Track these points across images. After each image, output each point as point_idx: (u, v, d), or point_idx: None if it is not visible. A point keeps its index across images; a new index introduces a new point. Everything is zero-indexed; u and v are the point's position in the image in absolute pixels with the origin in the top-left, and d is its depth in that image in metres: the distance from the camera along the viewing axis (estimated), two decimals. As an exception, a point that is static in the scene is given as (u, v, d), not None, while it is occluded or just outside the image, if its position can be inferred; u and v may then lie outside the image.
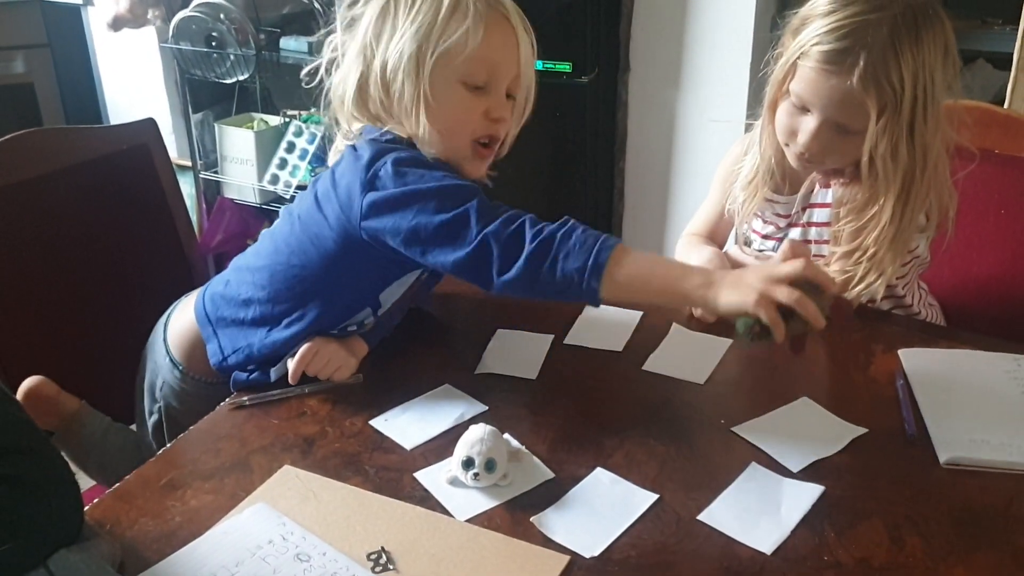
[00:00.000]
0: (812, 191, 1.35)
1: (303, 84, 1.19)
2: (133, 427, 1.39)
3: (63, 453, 1.32)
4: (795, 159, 1.28)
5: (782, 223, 1.39)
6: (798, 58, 1.20)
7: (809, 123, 1.21)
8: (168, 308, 1.31)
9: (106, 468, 1.35)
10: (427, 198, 1.05)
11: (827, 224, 1.33)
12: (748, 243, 1.44)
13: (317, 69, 1.18)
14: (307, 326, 1.15)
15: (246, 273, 1.20)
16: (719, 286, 0.98)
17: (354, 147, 1.13)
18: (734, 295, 0.97)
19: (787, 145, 1.28)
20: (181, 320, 1.26)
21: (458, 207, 1.04)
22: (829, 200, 1.33)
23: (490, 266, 1.02)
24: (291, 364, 1.14)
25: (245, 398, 1.08)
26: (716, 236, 1.51)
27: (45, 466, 0.83)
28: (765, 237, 1.42)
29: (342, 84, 1.14)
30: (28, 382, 1.31)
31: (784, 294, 0.94)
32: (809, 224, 1.37)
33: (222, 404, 1.12)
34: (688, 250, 1.46)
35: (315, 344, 1.14)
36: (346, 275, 1.13)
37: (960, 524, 0.91)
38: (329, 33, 1.17)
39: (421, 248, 1.06)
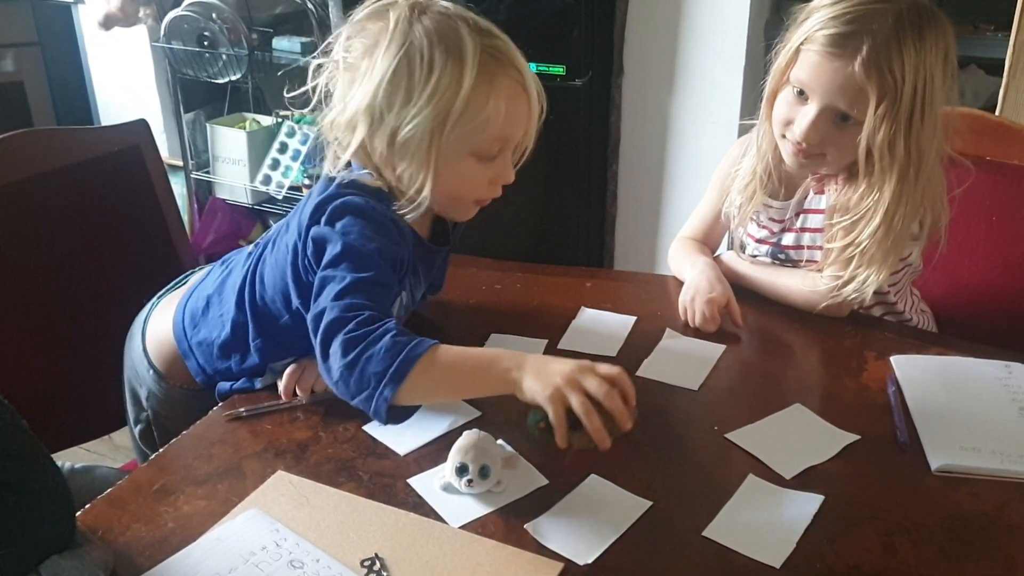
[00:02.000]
0: (807, 196, 1.36)
1: (284, 91, 1.13)
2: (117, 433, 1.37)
3: None
4: (791, 154, 1.28)
5: (776, 228, 1.40)
6: (802, 44, 1.21)
7: (808, 111, 1.22)
8: (145, 307, 1.29)
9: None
10: (336, 245, 1.01)
11: (820, 230, 1.33)
12: (742, 248, 1.45)
13: (306, 89, 1.11)
14: (278, 349, 1.14)
15: (228, 289, 1.17)
16: (525, 370, 0.93)
17: (331, 179, 1.09)
18: (536, 383, 0.92)
19: (783, 137, 1.28)
20: (160, 329, 1.24)
21: (350, 271, 0.99)
22: (823, 206, 1.33)
23: (325, 340, 0.96)
24: (281, 383, 1.12)
25: (242, 409, 1.08)
26: (710, 240, 1.51)
27: (37, 472, 0.83)
28: (759, 241, 1.42)
29: (336, 124, 1.07)
30: None
31: (577, 400, 0.89)
32: (803, 230, 1.37)
33: (215, 409, 1.11)
34: (681, 255, 1.46)
35: (302, 363, 1.13)
36: (307, 304, 1.04)
37: (951, 531, 0.91)
38: (325, 52, 1.09)
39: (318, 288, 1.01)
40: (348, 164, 1.10)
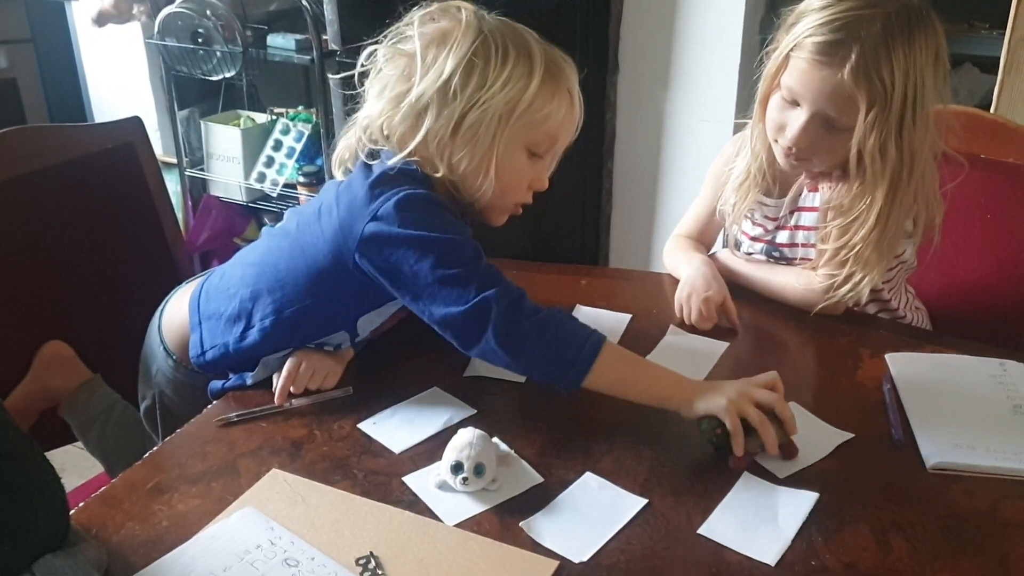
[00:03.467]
0: (800, 194, 1.36)
1: (332, 83, 1.15)
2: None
3: (69, 422, 1.36)
4: (783, 156, 1.28)
5: (770, 226, 1.40)
6: (791, 50, 1.20)
7: (798, 117, 1.22)
8: (164, 299, 1.31)
9: (105, 442, 1.37)
10: (431, 247, 1.04)
11: (814, 228, 1.33)
12: (737, 245, 1.45)
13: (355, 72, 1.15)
14: (280, 334, 1.14)
15: (239, 267, 1.20)
16: (695, 390, 1.03)
17: (368, 166, 1.11)
18: (713, 397, 1.01)
19: (775, 141, 1.28)
20: (175, 309, 1.27)
21: (461, 265, 1.04)
22: (817, 204, 1.33)
23: (483, 328, 1.02)
24: (276, 382, 1.12)
25: (233, 415, 1.07)
26: (705, 237, 1.51)
27: (30, 471, 0.82)
28: (754, 239, 1.42)
29: (385, 101, 1.10)
30: (47, 344, 1.38)
31: (754, 412, 0.99)
32: (796, 227, 1.37)
33: (208, 408, 1.11)
34: (677, 253, 1.46)
35: (298, 357, 1.13)
36: (326, 292, 1.12)
37: (946, 529, 0.91)
38: (375, 42, 1.13)
39: (412, 294, 1.06)
40: (375, 155, 1.12)
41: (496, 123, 1.06)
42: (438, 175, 1.10)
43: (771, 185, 1.37)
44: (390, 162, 1.09)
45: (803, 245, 1.37)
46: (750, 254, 1.43)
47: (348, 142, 1.17)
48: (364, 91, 1.14)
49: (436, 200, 1.09)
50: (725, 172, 1.42)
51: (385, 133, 1.12)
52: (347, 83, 1.17)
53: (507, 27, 1.10)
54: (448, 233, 1.06)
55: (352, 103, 1.17)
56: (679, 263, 1.43)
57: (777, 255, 1.40)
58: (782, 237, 1.39)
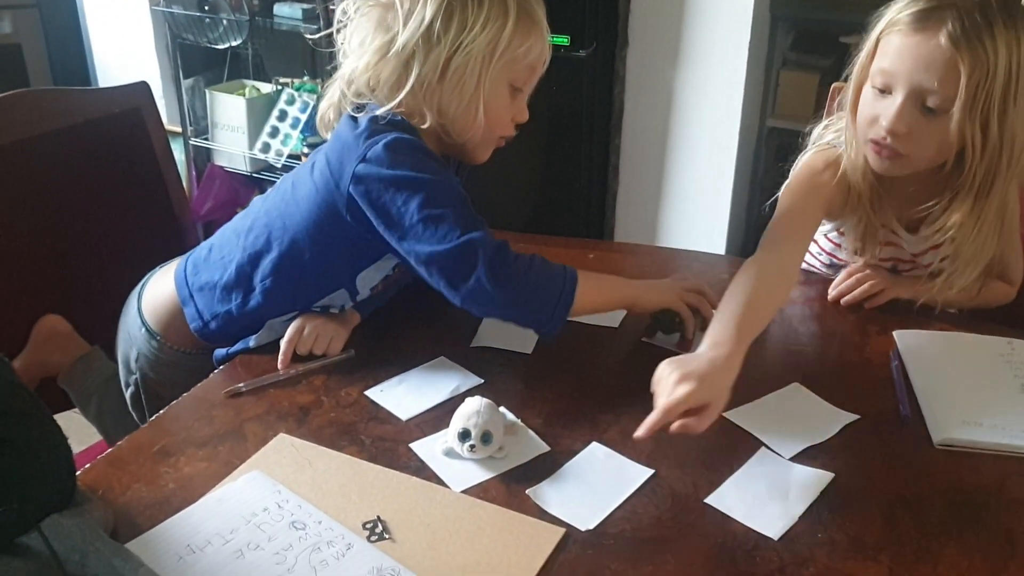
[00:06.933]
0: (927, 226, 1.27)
1: (311, 44, 1.17)
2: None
3: (68, 393, 1.36)
4: (874, 153, 1.18)
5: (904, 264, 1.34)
6: (882, 32, 1.15)
7: (893, 101, 1.13)
8: (143, 278, 1.30)
9: (104, 415, 1.37)
10: (418, 187, 1.06)
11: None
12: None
13: (327, 31, 1.16)
14: (282, 293, 1.14)
15: (231, 235, 1.20)
16: (648, 290, 1.17)
17: (353, 117, 1.12)
18: (662, 295, 1.17)
19: (867, 141, 1.18)
20: (157, 289, 1.25)
21: (447, 205, 1.06)
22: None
23: (472, 266, 1.04)
24: (282, 346, 1.12)
25: (242, 384, 1.06)
26: (788, 269, 1.23)
27: (37, 430, 0.82)
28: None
29: (369, 54, 1.11)
30: (44, 318, 1.38)
31: (695, 303, 1.17)
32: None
33: (214, 373, 1.11)
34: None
35: (302, 321, 1.14)
36: (323, 245, 1.13)
37: (952, 504, 0.92)
38: None
39: (400, 234, 1.07)
40: (360, 109, 1.13)
41: (480, 64, 1.09)
42: (425, 126, 1.11)
43: (880, 203, 1.27)
44: (378, 112, 1.10)
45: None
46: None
47: (331, 100, 1.17)
48: (341, 47, 1.15)
49: (424, 147, 1.11)
50: (819, 185, 1.26)
51: (371, 86, 1.12)
52: (332, 45, 1.17)
53: None
54: (433, 174, 1.07)
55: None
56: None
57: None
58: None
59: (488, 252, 1.04)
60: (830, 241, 1.39)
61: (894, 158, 1.17)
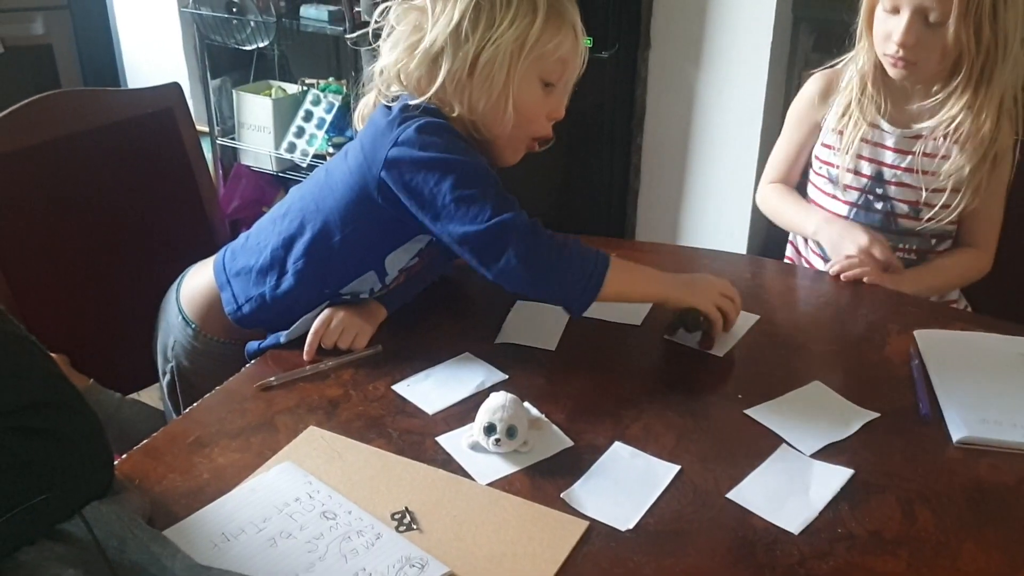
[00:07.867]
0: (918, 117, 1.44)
1: (344, 44, 1.21)
2: (146, 391, 1.42)
3: None
4: (891, 66, 1.39)
5: (889, 157, 1.46)
6: None
7: (901, 19, 1.34)
8: (176, 274, 1.34)
9: (126, 437, 1.38)
10: (450, 168, 1.09)
11: (931, 156, 1.43)
12: (836, 182, 1.51)
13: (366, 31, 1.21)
14: (313, 275, 1.18)
15: (267, 223, 1.24)
16: (682, 286, 1.18)
17: (387, 106, 1.17)
18: (696, 296, 1.17)
19: (884, 55, 1.39)
20: (196, 279, 1.30)
21: (479, 185, 1.09)
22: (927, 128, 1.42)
23: (504, 246, 1.07)
24: (307, 340, 1.15)
25: (272, 378, 1.09)
26: (791, 179, 1.63)
27: (77, 420, 0.85)
28: (857, 174, 1.49)
29: (400, 51, 1.16)
30: None
31: (728, 311, 1.17)
32: (908, 152, 1.45)
33: (246, 367, 1.14)
34: (787, 203, 1.60)
35: (329, 314, 1.16)
36: (355, 226, 1.17)
37: (971, 501, 0.93)
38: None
39: (433, 214, 1.10)
40: (394, 100, 1.17)
41: (509, 59, 1.12)
42: (455, 115, 1.15)
43: (883, 105, 1.45)
44: (411, 102, 1.15)
45: (906, 185, 1.45)
46: (852, 204, 1.50)
47: (367, 98, 1.23)
48: (377, 48, 1.19)
49: (455, 130, 1.14)
50: (810, 111, 1.54)
51: (403, 80, 1.17)
52: (366, 44, 1.22)
53: None
54: (464, 155, 1.11)
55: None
56: (796, 213, 1.57)
57: (880, 191, 1.47)
58: (888, 174, 1.47)
59: (519, 233, 1.08)
60: (825, 147, 1.54)
61: (908, 67, 1.38)
